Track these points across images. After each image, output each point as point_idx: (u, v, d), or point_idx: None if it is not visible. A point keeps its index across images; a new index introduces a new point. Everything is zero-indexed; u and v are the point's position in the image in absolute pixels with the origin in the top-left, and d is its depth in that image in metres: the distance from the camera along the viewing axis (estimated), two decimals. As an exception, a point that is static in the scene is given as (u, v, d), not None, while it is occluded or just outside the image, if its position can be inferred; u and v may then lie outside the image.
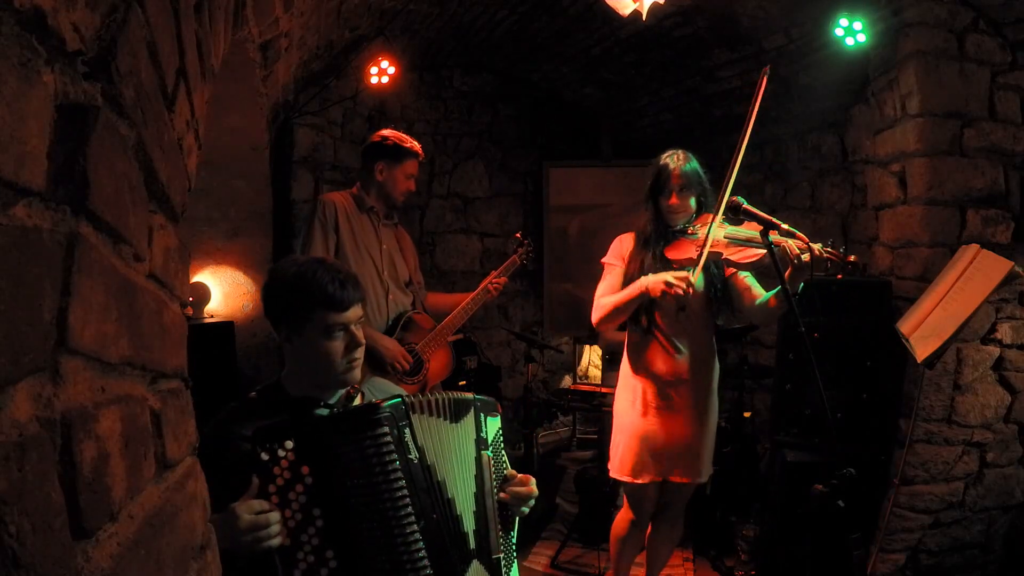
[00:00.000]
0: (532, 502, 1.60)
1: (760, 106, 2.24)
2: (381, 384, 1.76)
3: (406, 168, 2.90)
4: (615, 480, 2.61)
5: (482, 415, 1.54)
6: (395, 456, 1.32)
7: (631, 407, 2.52)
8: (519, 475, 1.62)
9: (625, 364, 2.60)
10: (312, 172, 4.35)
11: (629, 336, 2.60)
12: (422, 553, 1.31)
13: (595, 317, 2.53)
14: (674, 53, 3.91)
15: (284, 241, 4.13)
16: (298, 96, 4.13)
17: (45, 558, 0.46)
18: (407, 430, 1.37)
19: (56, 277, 0.51)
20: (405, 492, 1.31)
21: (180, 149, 0.90)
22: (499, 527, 1.51)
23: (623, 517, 2.68)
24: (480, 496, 1.48)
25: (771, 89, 3.80)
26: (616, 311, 2.46)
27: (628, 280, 2.48)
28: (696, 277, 2.30)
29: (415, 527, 1.31)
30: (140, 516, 0.63)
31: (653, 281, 2.30)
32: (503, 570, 1.50)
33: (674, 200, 2.44)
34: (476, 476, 1.49)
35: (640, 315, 2.49)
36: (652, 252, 2.47)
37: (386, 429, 1.33)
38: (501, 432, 1.61)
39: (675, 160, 2.45)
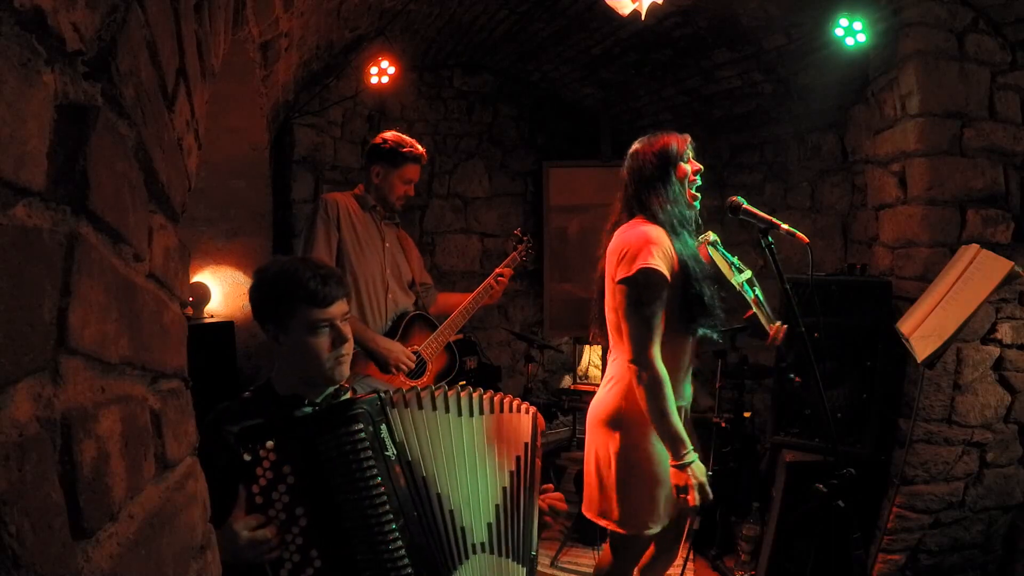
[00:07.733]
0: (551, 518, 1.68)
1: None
2: (371, 381, 1.75)
3: (404, 173, 2.84)
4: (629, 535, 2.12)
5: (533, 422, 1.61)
6: (370, 453, 1.32)
7: (654, 448, 2.06)
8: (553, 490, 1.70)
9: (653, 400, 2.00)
10: (312, 172, 4.35)
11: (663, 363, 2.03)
12: (401, 551, 1.31)
13: (650, 394, 1.92)
14: (674, 53, 3.91)
15: (284, 241, 4.14)
16: (298, 96, 4.13)
17: (45, 558, 0.46)
18: (383, 426, 1.37)
19: (56, 277, 0.50)
20: (381, 490, 1.31)
21: (180, 149, 0.90)
22: (534, 527, 1.59)
23: (615, 569, 2.26)
24: (513, 494, 1.54)
25: (771, 89, 3.83)
26: (657, 422, 1.95)
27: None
28: None
29: (392, 525, 1.31)
30: (140, 516, 0.63)
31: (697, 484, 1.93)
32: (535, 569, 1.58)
33: (694, 170, 2.25)
34: (510, 473, 1.54)
35: (682, 338, 2.11)
36: (695, 254, 2.08)
37: (360, 426, 1.32)
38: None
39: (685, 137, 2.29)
